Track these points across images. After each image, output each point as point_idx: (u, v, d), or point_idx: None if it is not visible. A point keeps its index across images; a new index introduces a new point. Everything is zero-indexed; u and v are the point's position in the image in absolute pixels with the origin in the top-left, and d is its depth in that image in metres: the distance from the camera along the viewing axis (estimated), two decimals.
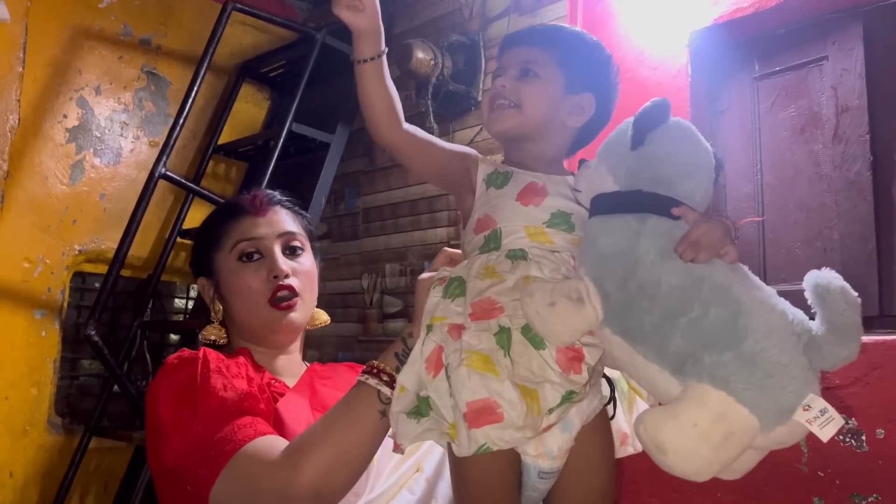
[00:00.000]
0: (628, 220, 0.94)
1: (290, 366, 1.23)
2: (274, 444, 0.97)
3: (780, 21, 1.89)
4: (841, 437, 1.59)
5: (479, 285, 0.99)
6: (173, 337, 3.00)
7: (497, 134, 1.10)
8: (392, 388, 0.98)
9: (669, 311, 0.88)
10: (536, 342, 0.96)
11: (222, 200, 2.34)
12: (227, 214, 1.21)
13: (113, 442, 2.52)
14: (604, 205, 0.99)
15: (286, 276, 1.16)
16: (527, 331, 0.97)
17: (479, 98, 2.43)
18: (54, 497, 2.38)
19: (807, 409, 0.86)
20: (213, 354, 1.08)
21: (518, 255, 1.01)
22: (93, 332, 2.14)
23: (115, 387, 2.37)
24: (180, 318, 3.10)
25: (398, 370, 0.99)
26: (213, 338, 1.18)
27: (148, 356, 2.64)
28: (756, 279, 0.93)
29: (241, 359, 1.12)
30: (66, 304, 2.57)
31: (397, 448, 0.99)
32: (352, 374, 1.23)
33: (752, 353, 0.85)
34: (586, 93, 1.11)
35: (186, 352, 1.09)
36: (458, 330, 0.97)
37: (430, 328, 1.00)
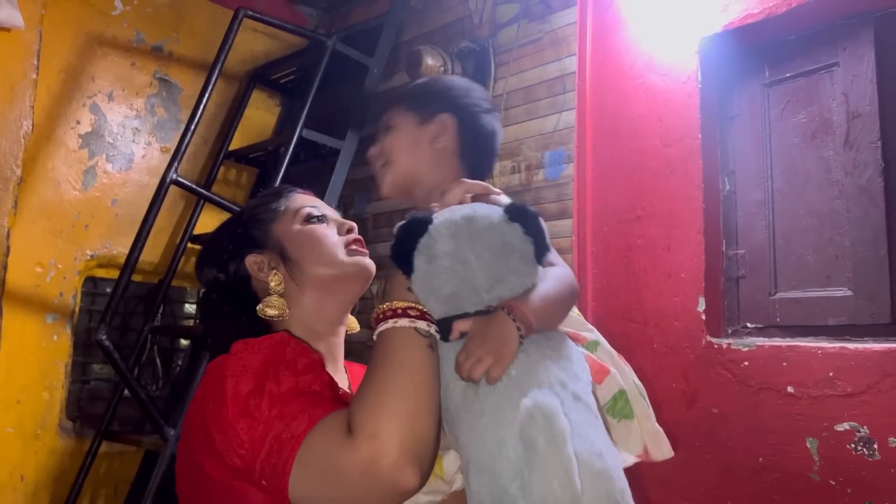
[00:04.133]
0: (441, 349, 0.97)
1: (337, 353, 1.22)
2: (342, 420, 0.91)
3: (790, 27, 1.88)
4: (853, 445, 1.58)
5: None
6: (184, 342, 3.01)
7: (389, 197, 1.18)
8: (423, 319, 0.95)
9: (452, 435, 0.94)
10: None
11: (234, 206, 2.35)
12: (277, 195, 1.22)
13: (123, 446, 2.53)
14: None
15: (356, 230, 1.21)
16: None
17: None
18: (65, 501, 2.39)
19: None
20: (282, 347, 1.02)
21: None
22: (104, 337, 2.15)
23: (126, 391, 2.38)
24: (191, 322, 3.11)
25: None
26: (275, 312, 1.11)
27: (158, 361, 2.66)
28: (513, 402, 0.89)
29: (315, 356, 1.06)
30: (77, 309, 2.59)
31: None
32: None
33: (475, 494, 0.88)
34: (440, 114, 1.15)
35: (239, 345, 1.02)
36: None
37: None
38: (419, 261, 0.96)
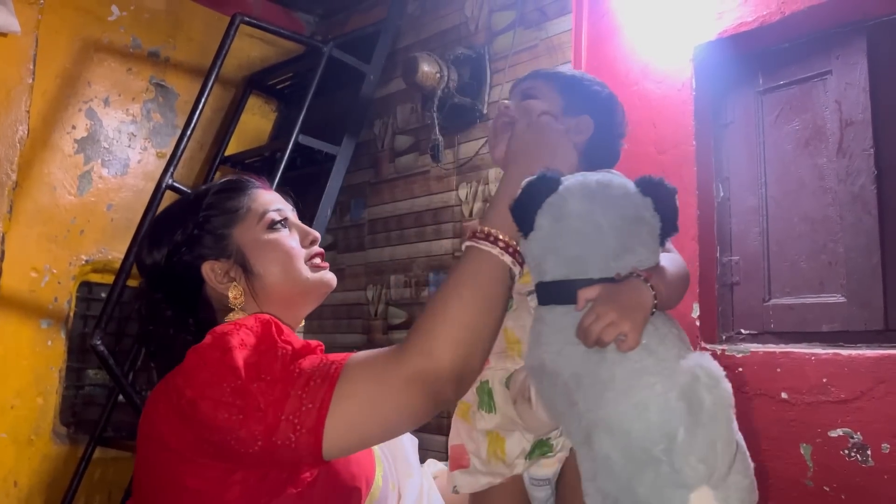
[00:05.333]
0: (540, 312, 0.96)
1: None
2: (378, 349, 0.91)
3: (784, 35, 1.89)
4: (846, 451, 1.59)
5: None
6: None
7: (497, 163, 1.16)
8: (514, 257, 0.94)
9: (568, 401, 0.91)
10: None
11: None
12: (237, 191, 1.14)
13: (117, 452, 2.52)
14: (536, 296, 1.00)
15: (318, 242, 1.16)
16: (510, 379, 1.05)
17: (485, 111, 2.45)
18: None
19: None
20: (273, 321, 0.99)
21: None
22: (99, 342, 2.15)
23: (121, 397, 2.37)
24: None
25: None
26: None
27: (153, 366, 2.64)
28: (655, 365, 0.89)
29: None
30: (72, 314, 2.59)
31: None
32: None
33: (602, 456, 0.87)
34: (586, 115, 1.16)
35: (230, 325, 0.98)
36: None
37: None
38: (544, 219, 0.93)
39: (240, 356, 0.90)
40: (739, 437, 0.89)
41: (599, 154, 1.17)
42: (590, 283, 0.90)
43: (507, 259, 0.94)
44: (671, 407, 0.84)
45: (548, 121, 1.08)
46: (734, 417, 0.84)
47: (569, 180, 0.95)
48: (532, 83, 1.18)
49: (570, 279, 0.91)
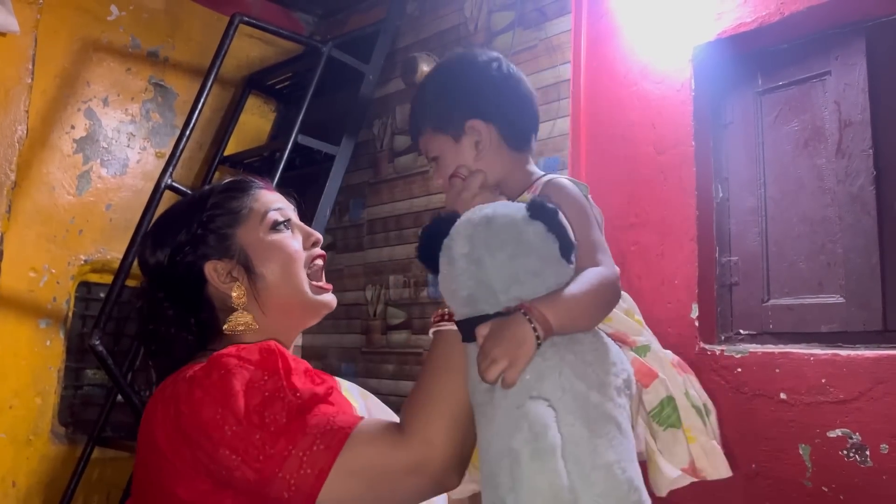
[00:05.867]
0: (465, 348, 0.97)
1: None
2: (380, 424, 0.92)
3: (783, 36, 1.90)
4: (845, 452, 1.59)
5: None
6: None
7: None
8: None
9: (483, 438, 0.92)
10: None
11: None
12: (240, 191, 1.14)
13: (116, 452, 2.52)
14: None
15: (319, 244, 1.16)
16: None
17: None
18: None
19: None
20: (288, 353, 0.98)
21: None
22: (97, 342, 2.15)
23: (119, 397, 2.37)
24: None
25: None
26: (241, 327, 1.07)
27: (152, 366, 2.64)
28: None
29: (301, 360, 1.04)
30: (71, 314, 2.58)
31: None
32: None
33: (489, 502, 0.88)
34: (466, 122, 1.14)
35: (233, 350, 0.97)
36: None
37: None
38: (441, 262, 0.96)
39: (242, 401, 0.90)
40: (632, 471, 0.86)
41: (516, 119, 1.17)
42: (487, 318, 0.91)
43: None
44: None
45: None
46: (560, 469, 0.81)
47: (459, 220, 0.97)
48: (420, 143, 1.19)
49: (470, 317, 0.93)
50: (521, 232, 0.92)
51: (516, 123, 1.17)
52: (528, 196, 1.08)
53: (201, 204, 1.12)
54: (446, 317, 0.98)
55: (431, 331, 1.00)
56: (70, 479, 2.40)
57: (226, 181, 1.17)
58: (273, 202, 1.14)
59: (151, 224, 1.17)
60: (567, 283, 0.93)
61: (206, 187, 1.17)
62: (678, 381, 1.08)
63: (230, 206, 1.11)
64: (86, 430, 2.54)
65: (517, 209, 0.95)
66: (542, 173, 1.17)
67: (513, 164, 1.16)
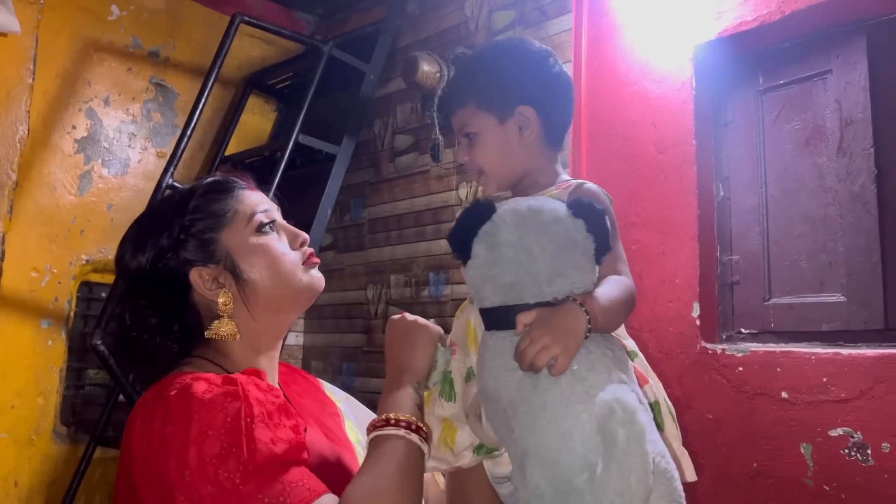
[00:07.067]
0: (484, 337, 0.98)
1: (275, 364, 1.16)
2: None
3: (784, 35, 1.89)
4: (846, 451, 1.59)
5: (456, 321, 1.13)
6: None
7: (495, 194, 1.16)
8: (419, 433, 0.96)
9: (506, 426, 0.94)
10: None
11: None
12: (223, 191, 1.09)
13: (118, 451, 2.49)
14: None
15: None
16: (469, 374, 1.06)
17: None
18: None
19: None
20: (253, 393, 0.93)
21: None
22: (99, 342, 2.15)
23: (121, 396, 2.37)
24: None
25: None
26: (223, 333, 1.03)
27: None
28: (583, 391, 0.89)
29: (277, 391, 1.00)
30: (72, 314, 2.59)
31: None
32: (305, 381, 1.25)
33: (532, 485, 0.89)
34: (518, 107, 1.14)
35: (203, 385, 0.92)
36: None
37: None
38: (479, 248, 0.96)
39: (196, 452, 0.86)
40: (669, 463, 0.89)
41: (559, 111, 1.18)
42: (526, 307, 0.92)
43: (414, 437, 0.95)
44: (594, 438, 0.85)
45: (399, 320, 1.14)
46: (649, 451, 0.84)
47: (502, 207, 0.97)
48: (460, 116, 1.16)
49: (508, 305, 0.94)
50: (567, 227, 0.94)
51: (559, 121, 1.19)
52: (554, 192, 1.10)
53: (182, 206, 1.07)
54: (391, 422, 0.96)
55: (370, 437, 0.96)
56: (72, 479, 2.40)
57: (207, 180, 1.13)
58: (258, 203, 1.10)
59: (130, 226, 1.11)
60: (595, 285, 0.96)
61: (186, 186, 1.14)
62: (660, 387, 1.11)
63: (213, 208, 1.07)
64: (88, 430, 2.55)
65: (559, 205, 0.97)
66: (569, 177, 1.18)
67: (544, 159, 1.17)
